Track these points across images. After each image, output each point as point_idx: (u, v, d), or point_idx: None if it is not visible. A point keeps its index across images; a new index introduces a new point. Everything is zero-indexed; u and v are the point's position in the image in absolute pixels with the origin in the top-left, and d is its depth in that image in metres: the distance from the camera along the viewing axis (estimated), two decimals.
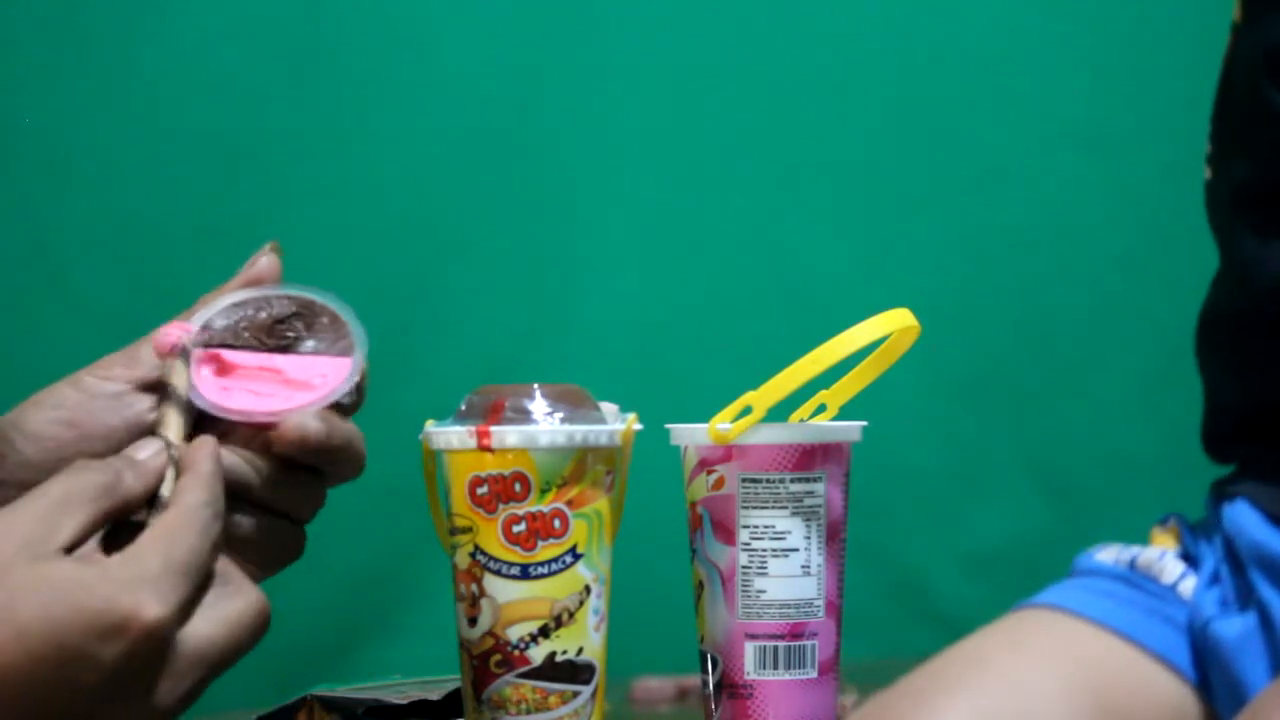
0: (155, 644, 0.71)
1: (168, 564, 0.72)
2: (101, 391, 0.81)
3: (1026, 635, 1.23)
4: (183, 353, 0.84)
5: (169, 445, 0.79)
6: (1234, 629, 1.18)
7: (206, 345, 0.84)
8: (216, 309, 0.86)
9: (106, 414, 0.81)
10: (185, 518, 0.74)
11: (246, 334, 0.85)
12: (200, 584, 0.74)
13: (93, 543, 0.73)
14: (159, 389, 0.83)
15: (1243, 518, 1.22)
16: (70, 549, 0.72)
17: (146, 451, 0.78)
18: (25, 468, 0.79)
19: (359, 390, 0.85)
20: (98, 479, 0.75)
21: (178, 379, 0.83)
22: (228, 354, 0.85)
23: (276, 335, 0.86)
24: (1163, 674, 1.20)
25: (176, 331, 0.84)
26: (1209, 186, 1.27)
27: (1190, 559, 1.25)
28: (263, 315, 0.86)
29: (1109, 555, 1.27)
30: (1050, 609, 1.24)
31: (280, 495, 0.82)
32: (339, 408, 0.84)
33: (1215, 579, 1.23)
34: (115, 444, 0.80)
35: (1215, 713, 1.20)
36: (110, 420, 0.81)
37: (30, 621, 0.69)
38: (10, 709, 0.69)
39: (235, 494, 0.80)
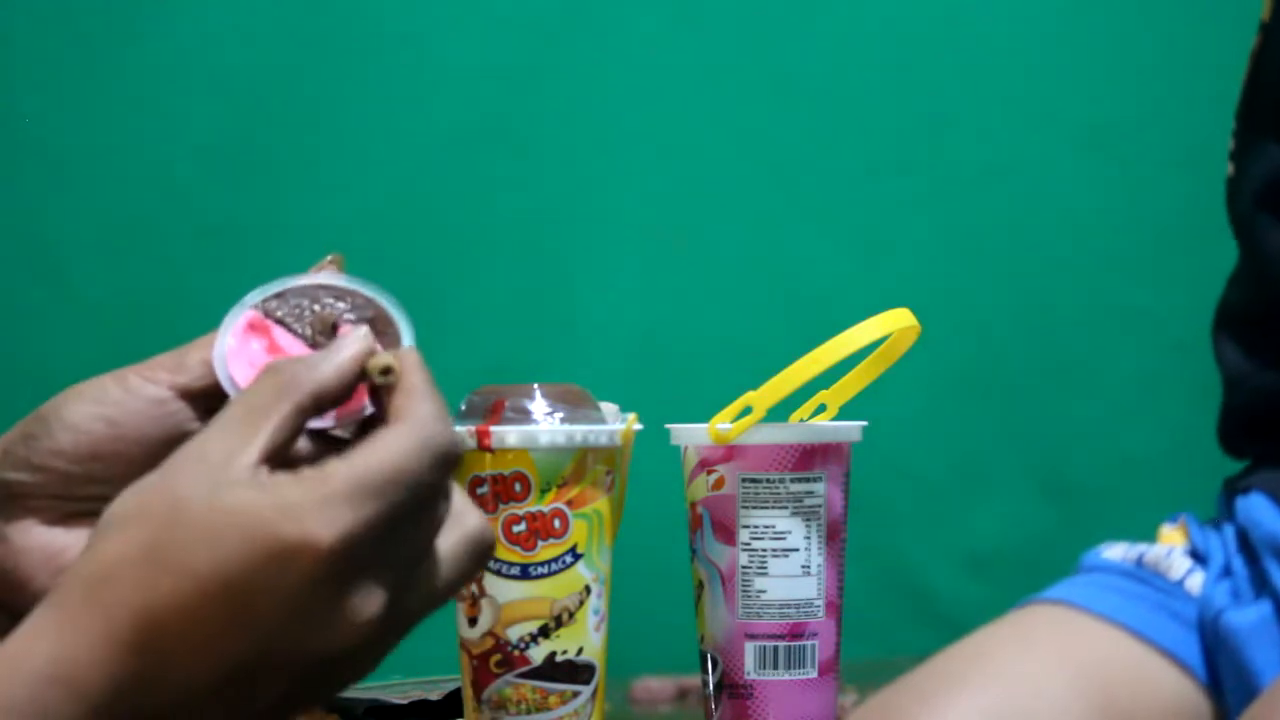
0: (334, 571, 0.65)
1: (355, 482, 0.66)
2: (144, 393, 0.78)
3: (1032, 630, 1.22)
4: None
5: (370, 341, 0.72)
6: (1247, 618, 1.18)
7: (266, 314, 0.77)
8: (302, 281, 0.78)
9: (145, 417, 0.78)
10: (397, 429, 0.68)
11: (309, 323, 0.77)
12: (415, 514, 0.67)
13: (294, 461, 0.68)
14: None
15: (1258, 509, 1.22)
16: (270, 461, 0.67)
17: (347, 352, 0.71)
18: (57, 455, 0.78)
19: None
20: (285, 381, 0.69)
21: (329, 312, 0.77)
22: (280, 334, 0.77)
23: (334, 338, 0.77)
24: (1169, 669, 1.20)
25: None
26: (1230, 182, 1.26)
27: (1198, 556, 1.25)
28: (334, 311, 0.78)
29: (1116, 553, 1.28)
30: (1056, 604, 1.24)
31: None
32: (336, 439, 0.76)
33: (1226, 572, 1.23)
34: (149, 447, 0.77)
35: (1222, 707, 1.19)
36: (147, 426, 0.78)
37: (200, 559, 0.65)
38: (190, 648, 0.65)
39: None
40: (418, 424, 0.69)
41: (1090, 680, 1.18)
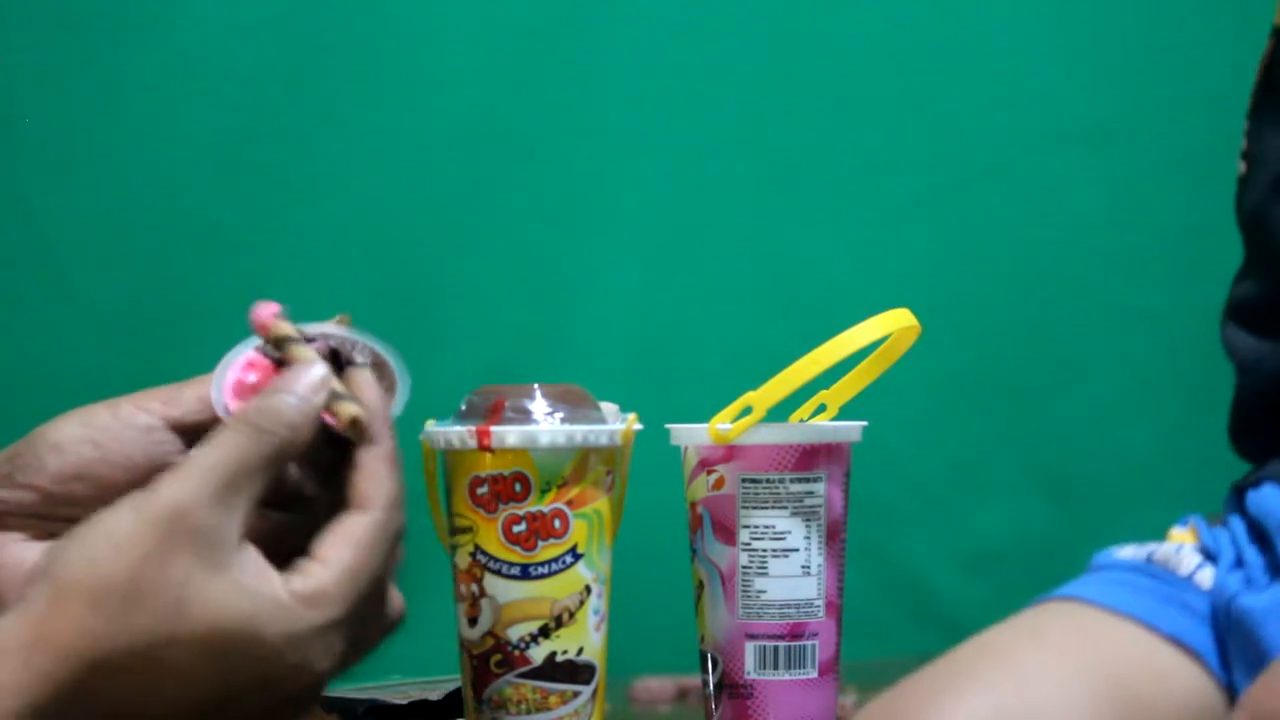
0: (315, 690, 0.70)
1: (351, 607, 0.70)
2: (135, 422, 0.80)
3: (1043, 626, 1.23)
4: (280, 316, 0.79)
5: (333, 394, 0.74)
6: (1262, 600, 1.18)
7: (266, 355, 0.80)
8: (307, 329, 0.81)
9: (133, 444, 0.79)
10: (375, 540, 0.72)
11: None
12: (374, 607, 0.72)
13: (262, 558, 0.70)
14: (278, 343, 0.78)
15: (1270, 498, 1.22)
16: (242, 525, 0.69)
17: (306, 384, 0.74)
18: (40, 474, 0.78)
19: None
20: (275, 442, 0.71)
21: (285, 329, 0.79)
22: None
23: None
24: (1181, 659, 1.20)
25: (266, 307, 0.81)
26: (1242, 180, 1.27)
27: (1208, 554, 1.25)
28: (337, 354, 0.81)
29: (1126, 552, 1.28)
30: (1066, 600, 1.24)
31: None
32: None
33: (1238, 564, 1.23)
34: (133, 473, 0.78)
35: (1234, 696, 1.19)
36: (134, 452, 0.79)
37: (196, 635, 0.67)
38: (145, 695, 0.67)
39: None
40: (382, 513, 0.73)
41: (1102, 672, 1.18)
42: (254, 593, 0.68)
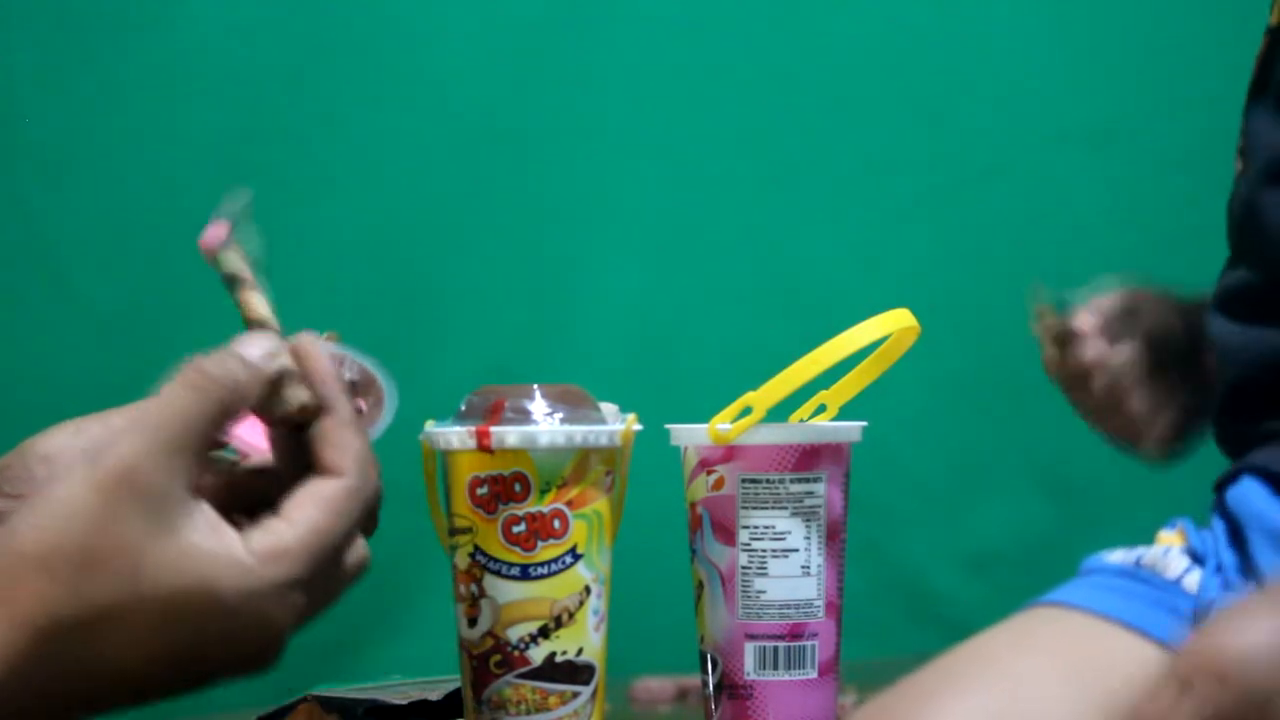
0: (278, 647, 0.70)
1: (314, 567, 0.70)
2: None
3: (1031, 631, 1.23)
4: (229, 244, 0.78)
5: (285, 372, 0.74)
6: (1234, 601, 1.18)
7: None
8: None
9: None
10: (344, 505, 0.71)
11: None
12: (336, 568, 0.72)
13: (215, 518, 0.70)
14: (228, 282, 0.78)
15: (1245, 493, 1.22)
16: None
17: (258, 351, 0.74)
18: (29, 484, 0.79)
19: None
20: (220, 396, 0.71)
21: (235, 265, 0.78)
22: None
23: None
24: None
25: (215, 229, 0.80)
26: (1238, 179, 1.27)
27: (1196, 558, 1.25)
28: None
29: (1115, 556, 1.28)
30: (1055, 606, 1.24)
31: None
32: None
33: (1219, 569, 1.23)
34: None
35: None
36: None
37: (154, 598, 0.67)
38: (105, 658, 0.67)
39: None
40: (354, 478, 0.72)
41: (1091, 677, 1.18)
42: (208, 552, 0.68)
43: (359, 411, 0.78)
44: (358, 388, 0.80)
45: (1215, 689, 0.80)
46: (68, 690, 0.67)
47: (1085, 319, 1.28)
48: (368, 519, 0.73)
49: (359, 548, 0.73)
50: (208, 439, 0.70)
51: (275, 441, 0.77)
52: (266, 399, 0.74)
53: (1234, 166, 1.28)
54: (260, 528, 0.70)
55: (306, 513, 0.70)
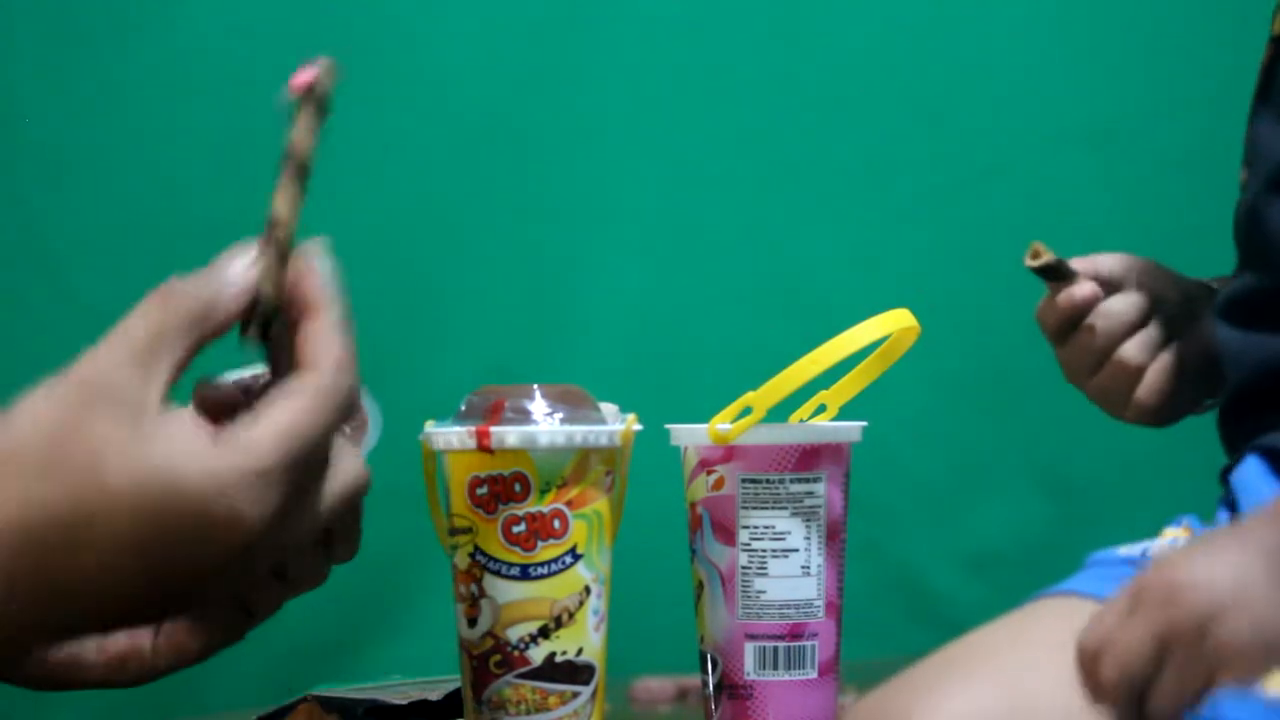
0: (246, 546, 0.68)
1: (283, 460, 0.68)
2: None
3: (1034, 620, 1.23)
4: (316, 100, 0.77)
5: (266, 249, 0.73)
6: None
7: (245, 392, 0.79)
8: None
9: None
10: (315, 402, 0.70)
11: None
12: (316, 473, 0.70)
13: (189, 413, 0.69)
14: (285, 153, 0.76)
15: (1249, 474, 1.22)
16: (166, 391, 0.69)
17: (237, 266, 0.73)
18: None
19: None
20: (191, 307, 0.71)
21: (301, 134, 0.77)
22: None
23: None
24: None
25: (311, 72, 0.77)
26: (1243, 188, 1.27)
27: None
28: None
29: (1121, 550, 1.28)
30: (1058, 595, 1.24)
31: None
32: None
33: None
34: None
35: None
36: None
37: (119, 493, 0.66)
38: (91, 588, 0.67)
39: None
40: (327, 376, 0.70)
41: None
42: (171, 441, 0.67)
43: (341, 433, 0.77)
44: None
45: (1163, 609, 0.82)
46: (52, 605, 0.67)
47: (1082, 263, 1.27)
48: (341, 417, 0.71)
49: (351, 461, 0.72)
50: (180, 350, 0.70)
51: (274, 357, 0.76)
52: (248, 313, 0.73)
53: (1238, 175, 1.28)
54: (231, 424, 0.69)
55: (275, 408, 0.69)
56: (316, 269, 0.74)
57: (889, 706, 1.15)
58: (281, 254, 0.74)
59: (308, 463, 0.69)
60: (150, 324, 0.70)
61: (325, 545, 0.75)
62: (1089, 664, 0.87)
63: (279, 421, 0.69)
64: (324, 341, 0.72)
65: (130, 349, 0.70)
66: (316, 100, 0.76)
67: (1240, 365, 1.26)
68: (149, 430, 0.67)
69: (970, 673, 1.15)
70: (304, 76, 0.76)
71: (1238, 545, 0.87)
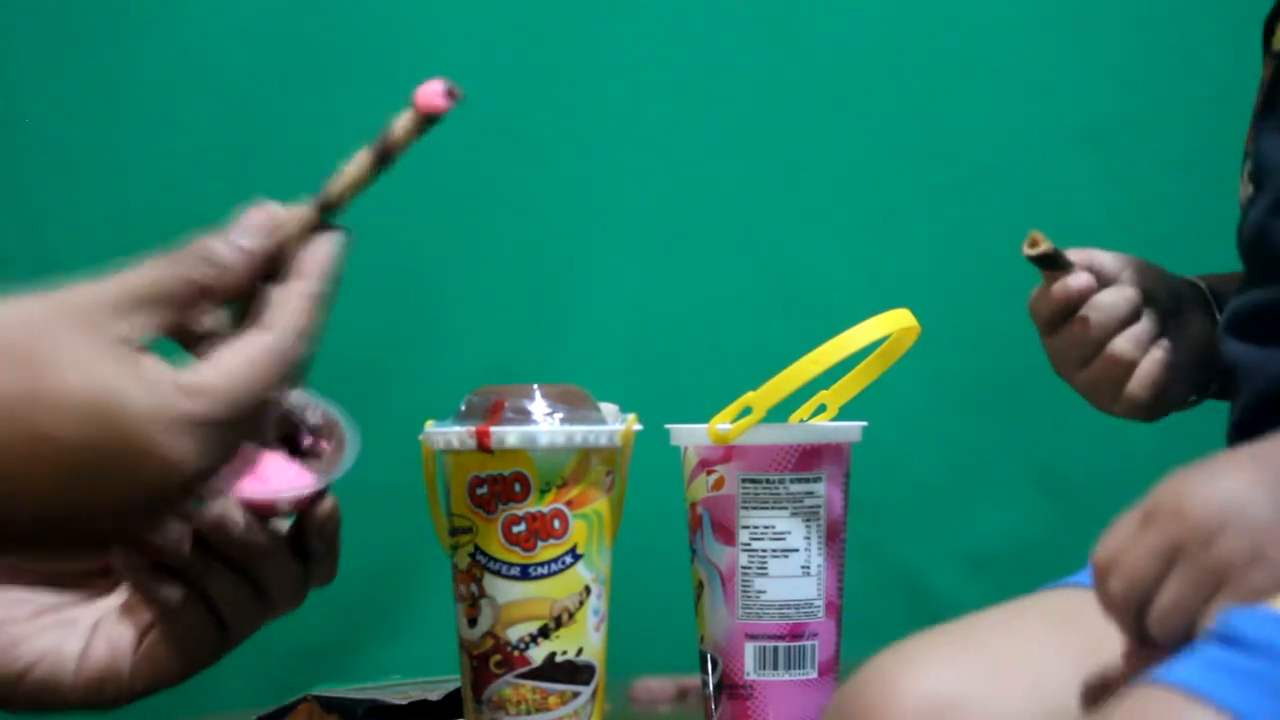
0: (171, 491, 0.68)
1: (227, 412, 0.69)
2: None
3: (1031, 604, 1.23)
4: (431, 120, 0.83)
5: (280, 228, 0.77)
6: None
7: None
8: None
9: None
10: (261, 358, 0.71)
11: (269, 425, 0.83)
12: (247, 431, 0.71)
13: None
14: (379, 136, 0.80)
15: None
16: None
17: (251, 230, 0.77)
18: None
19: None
20: (191, 269, 0.73)
21: (399, 134, 0.84)
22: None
23: (287, 437, 0.83)
24: None
25: (444, 99, 0.82)
26: (1246, 204, 1.27)
27: None
28: (292, 414, 0.83)
29: None
30: (1068, 586, 1.24)
31: (266, 572, 0.78)
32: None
33: None
34: None
35: None
36: None
37: (70, 401, 0.66)
38: (24, 497, 0.66)
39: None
40: (280, 337, 0.72)
41: (1087, 642, 1.17)
42: (125, 365, 0.68)
43: (317, 455, 0.78)
44: (320, 431, 0.81)
45: (1173, 522, 0.85)
46: None
47: (1078, 255, 1.28)
48: (284, 383, 0.72)
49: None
50: (175, 305, 0.72)
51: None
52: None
53: (1237, 184, 1.28)
54: (186, 369, 0.70)
55: (229, 360, 0.71)
56: (324, 245, 0.76)
57: (882, 672, 1.14)
58: (309, 224, 0.76)
59: (248, 415, 0.70)
60: (146, 272, 0.73)
61: (303, 568, 0.76)
62: (1101, 577, 0.88)
63: (228, 373, 0.70)
64: (290, 306, 0.74)
65: (117, 288, 0.72)
66: (431, 121, 0.79)
67: (1256, 379, 1.26)
68: (114, 355, 0.68)
69: (965, 639, 1.15)
70: (436, 100, 0.79)
71: (1251, 464, 0.88)
